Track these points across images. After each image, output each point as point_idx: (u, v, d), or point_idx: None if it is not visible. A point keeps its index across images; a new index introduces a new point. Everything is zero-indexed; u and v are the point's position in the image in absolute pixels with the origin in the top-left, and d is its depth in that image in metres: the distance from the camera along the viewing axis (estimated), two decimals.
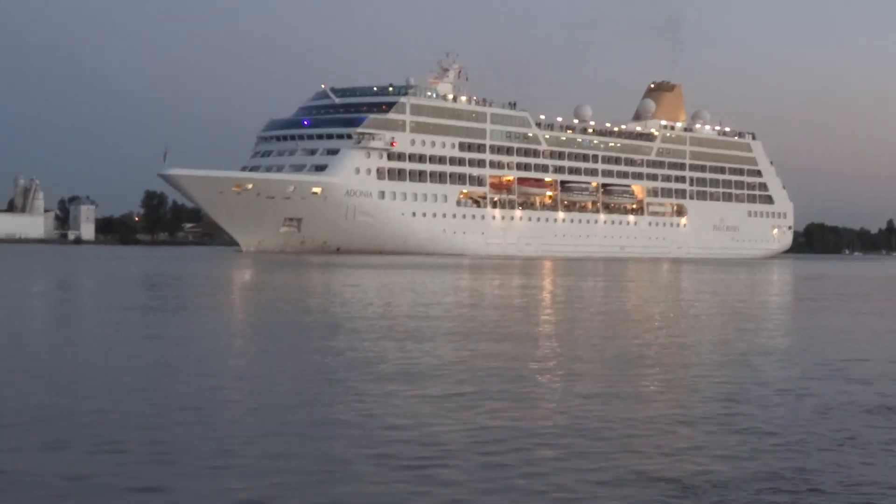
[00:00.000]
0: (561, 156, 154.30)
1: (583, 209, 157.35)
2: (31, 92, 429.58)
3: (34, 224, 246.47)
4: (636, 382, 16.95)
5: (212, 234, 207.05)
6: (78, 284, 54.83)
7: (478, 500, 9.17)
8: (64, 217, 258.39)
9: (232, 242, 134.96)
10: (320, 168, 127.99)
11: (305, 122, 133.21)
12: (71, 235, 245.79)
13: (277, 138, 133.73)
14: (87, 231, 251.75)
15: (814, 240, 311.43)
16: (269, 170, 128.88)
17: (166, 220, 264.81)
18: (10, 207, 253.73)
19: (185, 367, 18.41)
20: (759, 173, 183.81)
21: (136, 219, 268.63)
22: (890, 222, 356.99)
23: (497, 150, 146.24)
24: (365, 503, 9.08)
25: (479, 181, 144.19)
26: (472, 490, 9.45)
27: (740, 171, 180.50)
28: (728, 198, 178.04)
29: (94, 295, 45.44)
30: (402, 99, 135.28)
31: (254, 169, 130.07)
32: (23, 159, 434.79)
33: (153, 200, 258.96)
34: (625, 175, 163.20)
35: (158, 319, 29.20)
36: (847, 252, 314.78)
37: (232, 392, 15.27)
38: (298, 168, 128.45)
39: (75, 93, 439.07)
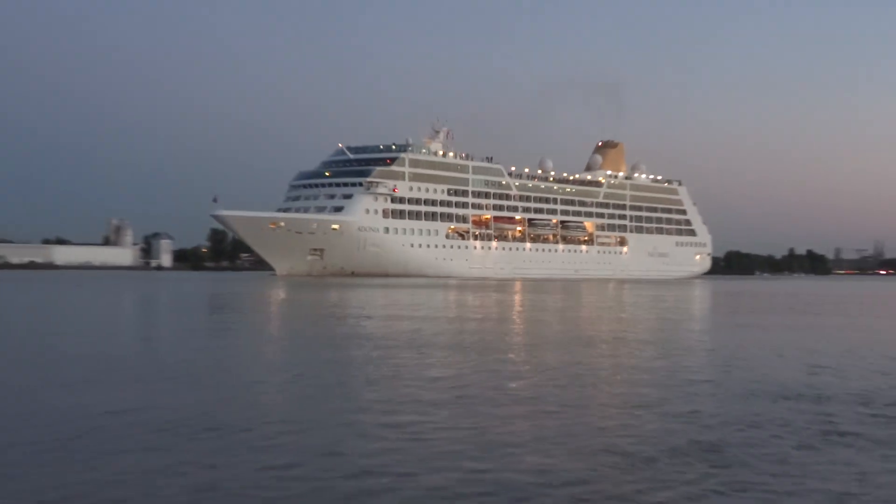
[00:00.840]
0: (528, 199, 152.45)
1: (545, 240, 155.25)
2: (122, 151, 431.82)
3: (124, 255, 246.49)
4: (587, 372, 16.70)
5: (263, 262, 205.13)
6: (158, 298, 55.89)
7: (457, 464, 9.03)
8: (147, 249, 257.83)
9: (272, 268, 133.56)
10: (338, 209, 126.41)
11: (326, 174, 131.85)
12: (153, 263, 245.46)
13: (304, 186, 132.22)
14: (166, 260, 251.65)
15: (732, 264, 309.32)
16: (297, 211, 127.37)
17: (227, 251, 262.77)
18: (106, 242, 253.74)
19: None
20: (684, 212, 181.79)
21: (204, 250, 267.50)
22: (791, 250, 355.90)
23: (477, 194, 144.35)
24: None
25: (464, 219, 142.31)
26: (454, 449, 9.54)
27: (669, 210, 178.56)
28: (660, 231, 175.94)
29: (169, 305, 47.07)
30: (402, 155, 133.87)
31: (286, 210, 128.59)
32: (114, 204, 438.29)
33: (217, 236, 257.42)
34: (578, 214, 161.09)
35: (215, 323, 32.24)
36: (758, 273, 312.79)
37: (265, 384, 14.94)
38: (321, 209, 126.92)
39: (156, 151, 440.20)
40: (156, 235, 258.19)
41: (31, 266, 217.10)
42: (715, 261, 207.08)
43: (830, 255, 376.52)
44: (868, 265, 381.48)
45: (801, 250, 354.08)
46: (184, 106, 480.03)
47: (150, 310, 42.69)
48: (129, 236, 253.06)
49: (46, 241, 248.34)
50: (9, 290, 67.02)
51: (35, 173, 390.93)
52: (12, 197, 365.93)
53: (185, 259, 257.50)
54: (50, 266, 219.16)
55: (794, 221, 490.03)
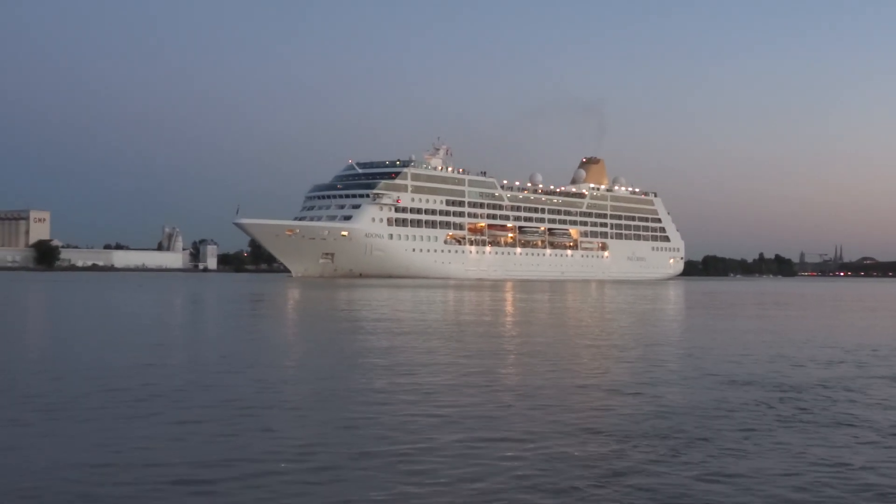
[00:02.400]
0: (518, 208, 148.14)
1: (534, 246, 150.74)
2: (174, 168, 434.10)
3: (175, 258, 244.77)
4: (574, 364, 16.39)
5: None
6: (205, 294, 57.94)
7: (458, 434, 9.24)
8: (196, 253, 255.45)
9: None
10: (347, 218, 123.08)
11: (338, 186, 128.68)
12: (200, 266, 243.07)
13: (318, 197, 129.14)
14: (212, 263, 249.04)
15: (709, 266, 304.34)
16: (312, 219, 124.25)
17: (266, 255, 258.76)
18: (159, 247, 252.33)
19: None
20: (659, 220, 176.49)
21: (245, 254, 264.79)
22: (761, 254, 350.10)
23: (473, 205, 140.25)
24: None
25: (460, 227, 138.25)
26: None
27: (646, 219, 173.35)
28: (637, 238, 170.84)
29: (214, 300, 48.68)
30: (406, 169, 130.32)
31: (302, 219, 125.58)
32: (168, 214, 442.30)
33: (256, 242, 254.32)
34: (564, 222, 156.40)
35: (249, 311, 35.08)
36: (732, 275, 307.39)
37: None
38: (332, 218, 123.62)
39: (204, 169, 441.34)
40: (203, 241, 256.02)
41: (94, 268, 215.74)
42: (693, 264, 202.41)
43: (796, 259, 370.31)
44: (829, 268, 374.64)
45: (769, 255, 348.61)
46: (235, 135, 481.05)
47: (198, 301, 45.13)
48: (179, 242, 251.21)
49: (107, 247, 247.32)
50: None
51: (98, 187, 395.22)
52: (78, 207, 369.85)
53: (229, 262, 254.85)
54: (110, 268, 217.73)
55: (764, 228, 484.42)
